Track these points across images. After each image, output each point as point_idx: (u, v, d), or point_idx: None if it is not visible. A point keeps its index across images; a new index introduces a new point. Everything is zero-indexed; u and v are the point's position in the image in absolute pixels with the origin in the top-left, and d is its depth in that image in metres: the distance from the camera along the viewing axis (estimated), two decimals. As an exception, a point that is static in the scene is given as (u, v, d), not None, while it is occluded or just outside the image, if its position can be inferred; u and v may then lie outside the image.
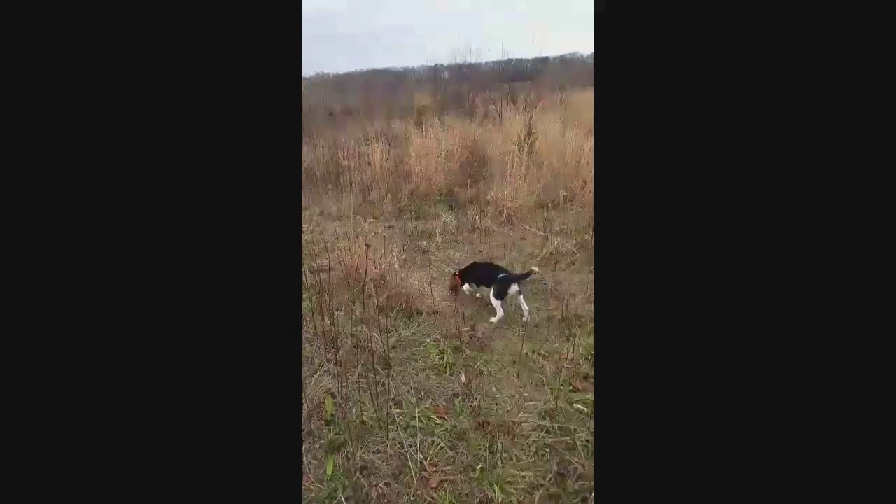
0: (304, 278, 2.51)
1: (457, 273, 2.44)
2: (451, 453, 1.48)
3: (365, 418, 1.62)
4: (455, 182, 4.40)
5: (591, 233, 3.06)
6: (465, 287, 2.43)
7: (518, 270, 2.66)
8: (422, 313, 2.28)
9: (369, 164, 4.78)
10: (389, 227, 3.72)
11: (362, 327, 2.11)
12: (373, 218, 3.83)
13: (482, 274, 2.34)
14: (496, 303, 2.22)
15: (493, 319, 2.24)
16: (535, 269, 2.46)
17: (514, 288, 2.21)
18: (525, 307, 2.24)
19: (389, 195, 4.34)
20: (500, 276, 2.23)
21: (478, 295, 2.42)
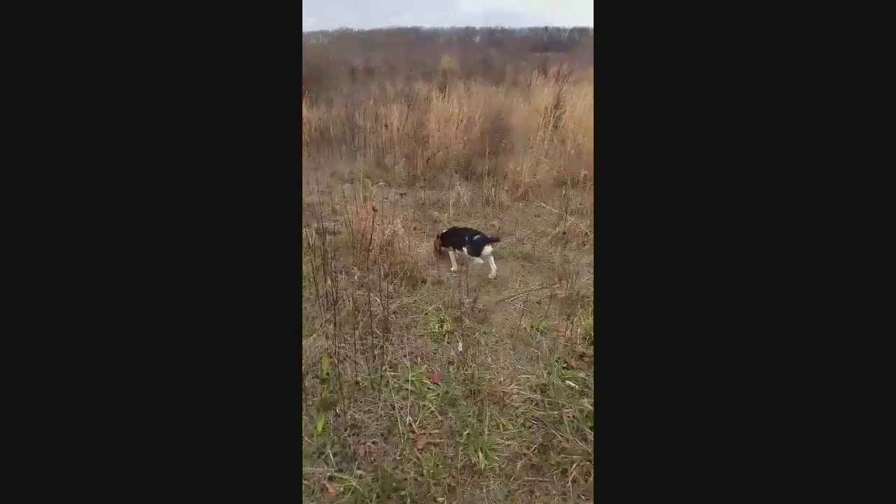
0: (310, 239, 2.54)
1: (438, 236, 2.64)
2: (440, 418, 1.52)
3: (359, 379, 1.66)
4: (474, 151, 4.30)
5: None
6: (444, 249, 2.62)
7: (528, 247, 2.63)
8: (426, 282, 2.29)
9: (386, 126, 4.70)
10: (402, 194, 3.69)
11: (365, 291, 2.14)
12: (385, 183, 3.80)
13: (459, 237, 2.54)
14: (473, 259, 2.46)
15: (453, 269, 2.54)
16: (500, 240, 2.67)
17: (487, 248, 2.42)
18: (494, 266, 2.46)
19: (404, 160, 4.29)
20: (475, 237, 2.47)
21: (456, 255, 2.58)
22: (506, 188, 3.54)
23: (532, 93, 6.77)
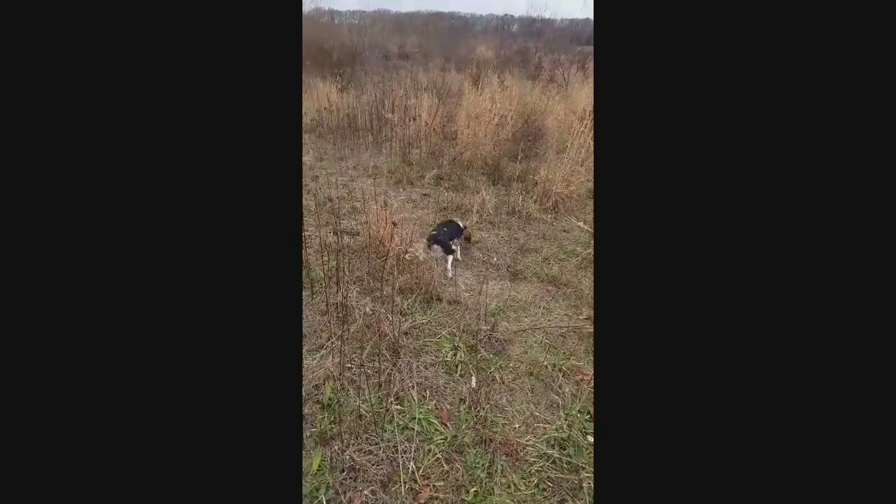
0: (328, 239, 2.41)
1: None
2: (446, 467, 1.38)
3: (363, 410, 1.54)
4: (503, 152, 4.09)
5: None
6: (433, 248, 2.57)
7: (555, 269, 2.44)
8: (441, 301, 2.13)
9: (414, 119, 4.51)
10: (425, 195, 3.53)
11: (377, 306, 2.01)
12: (408, 183, 3.64)
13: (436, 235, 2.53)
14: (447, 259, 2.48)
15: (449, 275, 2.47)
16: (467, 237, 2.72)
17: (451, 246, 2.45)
18: (450, 269, 2.45)
19: (430, 158, 4.11)
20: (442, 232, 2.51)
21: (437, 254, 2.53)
22: (534, 197, 3.32)
23: (570, 92, 6.44)
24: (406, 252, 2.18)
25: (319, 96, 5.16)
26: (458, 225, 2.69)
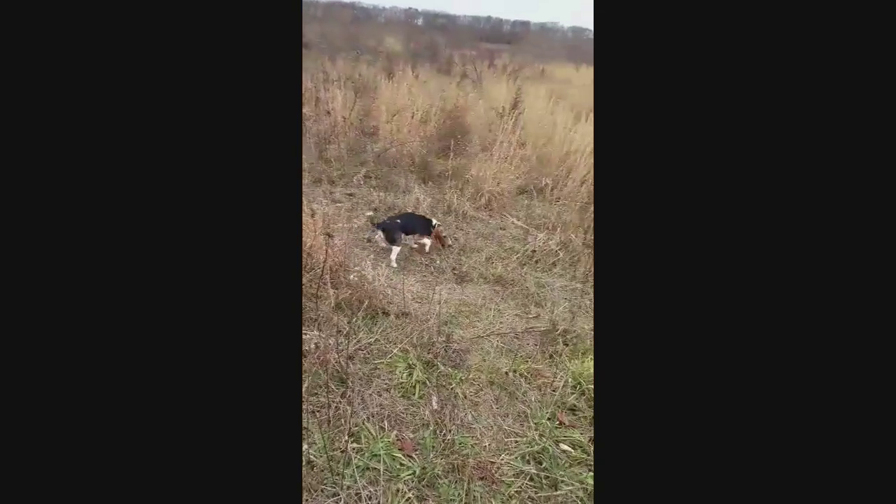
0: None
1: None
2: (418, 507, 1.22)
3: (313, 455, 1.30)
4: (431, 150, 3.96)
5: (575, 231, 2.83)
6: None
7: (499, 268, 2.39)
8: (388, 314, 1.94)
9: (328, 113, 4.16)
10: (349, 194, 3.25)
11: (315, 330, 1.75)
12: (329, 182, 3.33)
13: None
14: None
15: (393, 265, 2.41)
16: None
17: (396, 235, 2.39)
18: (393, 260, 2.40)
19: (351, 154, 3.82)
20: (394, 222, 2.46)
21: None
22: (468, 195, 3.25)
23: (485, 87, 6.54)
24: (350, 271, 1.94)
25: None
26: (425, 219, 2.54)
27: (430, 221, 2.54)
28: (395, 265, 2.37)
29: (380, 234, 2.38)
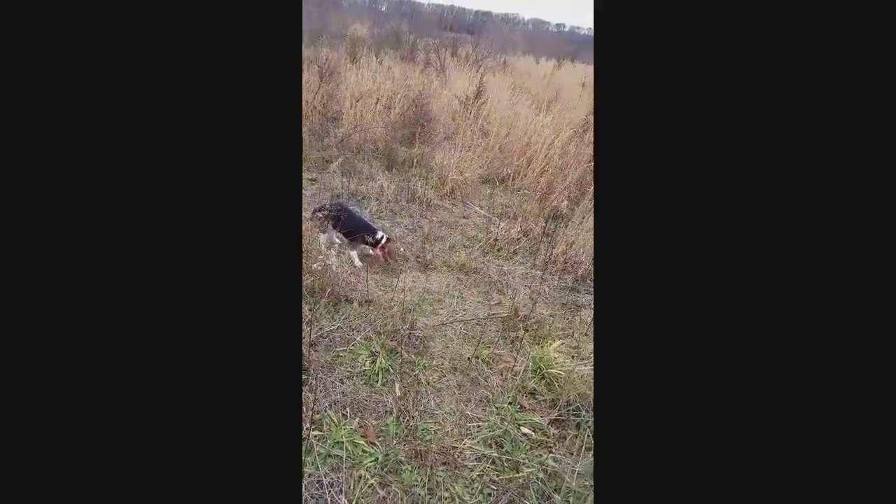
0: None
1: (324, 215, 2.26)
2: (381, 493, 1.22)
3: (271, 446, 1.26)
4: (394, 137, 3.89)
5: (535, 220, 2.90)
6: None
7: (462, 256, 2.41)
8: (352, 302, 1.90)
9: (291, 96, 3.99)
10: (311, 179, 3.15)
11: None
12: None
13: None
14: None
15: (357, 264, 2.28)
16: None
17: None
18: (357, 261, 2.28)
19: (313, 139, 3.69)
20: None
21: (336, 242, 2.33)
22: (432, 183, 3.24)
23: (449, 76, 6.49)
24: (314, 259, 1.87)
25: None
26: (364, 222, 2.25)
27: (376, 233, 2.23)
28: (358, 263, 2.24)
29: (340, 238, 2.21)
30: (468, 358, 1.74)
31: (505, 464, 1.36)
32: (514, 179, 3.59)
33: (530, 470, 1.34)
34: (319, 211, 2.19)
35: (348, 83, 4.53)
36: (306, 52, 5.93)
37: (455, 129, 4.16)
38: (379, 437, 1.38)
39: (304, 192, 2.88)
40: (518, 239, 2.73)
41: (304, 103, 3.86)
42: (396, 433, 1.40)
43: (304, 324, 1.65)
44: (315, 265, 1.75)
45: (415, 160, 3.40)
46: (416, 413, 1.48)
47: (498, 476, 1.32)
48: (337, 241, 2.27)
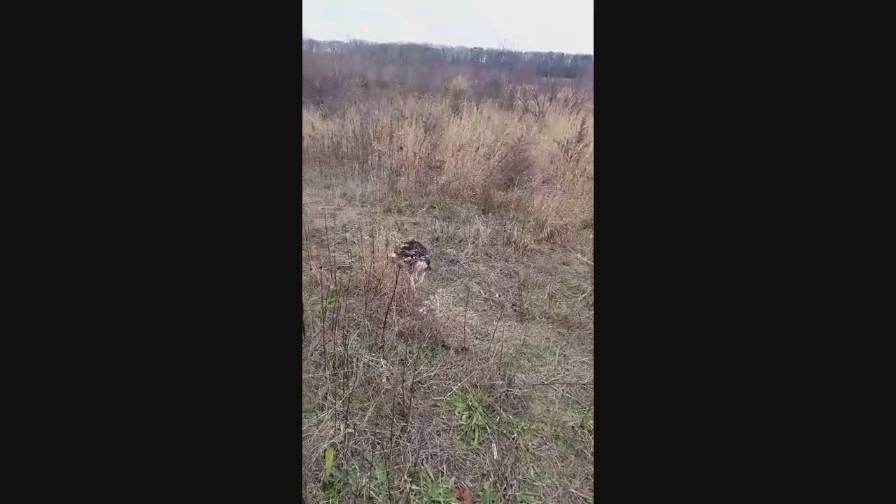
0: (319, 275, 2.15)
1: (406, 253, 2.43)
2: (477, 568, 1.13)
3: (373, 492, 1.27)
4: (492, 183, 3.98)
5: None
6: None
7: (564, 308, 2.29)
8: (448, 348, 1.90)
9: (401, 148, 4.36)
10: (415, 223, 3.33)
11: (379, 357, 1.75)
12: (397, 211, 3.43)
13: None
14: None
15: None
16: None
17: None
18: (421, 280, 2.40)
19: (418, 186, 3.94)
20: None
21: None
22: (529, 228, 3.19)
23: (548, 121, 6.54)
24: (421, 304, 1.95)
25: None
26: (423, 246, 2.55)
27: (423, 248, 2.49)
28: (421, 282, 2.40)
29: (423, 264, 2.39)
30: (572, 426, 1.60)
31: (618, 560, 1.18)
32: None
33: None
34: (405, 256, 2.34)
35: (450, 134, 4.82)
36: (414, 106, 6.51)
37: (553, 173, 4.12)
38: (475, 502, 1.31)
39: (406, 234, 3.06)
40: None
41: (411, 154, 4.18)
42: (493, 500, 1.31)
43: (405, 368, 1.69)
44: (421, 309, 1.80)
45: (512, 204, 3.41)
46: (515, 482, 1.38)
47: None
48: (423, 277, 2.39)
